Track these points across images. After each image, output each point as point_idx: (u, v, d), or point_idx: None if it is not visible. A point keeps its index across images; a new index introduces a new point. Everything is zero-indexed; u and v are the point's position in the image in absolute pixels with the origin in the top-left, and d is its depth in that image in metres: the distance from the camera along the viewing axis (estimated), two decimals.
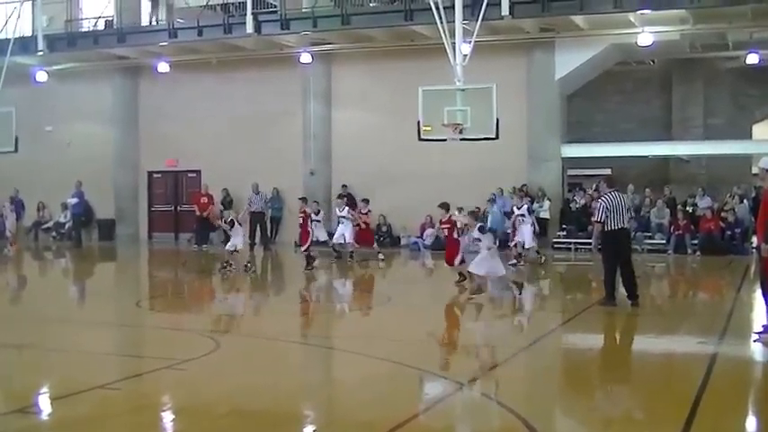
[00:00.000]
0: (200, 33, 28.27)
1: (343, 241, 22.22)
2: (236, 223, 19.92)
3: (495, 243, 15.84)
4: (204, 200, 28.79)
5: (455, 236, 16.78)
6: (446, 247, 17.52)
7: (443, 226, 17.30)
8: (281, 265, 25.07)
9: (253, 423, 7.46)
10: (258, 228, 28.26)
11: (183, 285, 20.08)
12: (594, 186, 27.57)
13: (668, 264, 23.30)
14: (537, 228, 21.82)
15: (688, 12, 24.22)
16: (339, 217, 22.66)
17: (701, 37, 27.10)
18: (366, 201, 25.32)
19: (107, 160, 31.77)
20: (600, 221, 13.71)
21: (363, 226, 23.40)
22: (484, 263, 15.09)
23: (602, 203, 13.77)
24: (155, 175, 32.43)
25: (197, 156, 30.90)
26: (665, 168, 31.01)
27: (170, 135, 31.17)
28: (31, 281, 21.12)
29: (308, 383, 9.33)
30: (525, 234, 20.76)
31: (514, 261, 20.68)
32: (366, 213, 24.27)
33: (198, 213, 28.81)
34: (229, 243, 19.75)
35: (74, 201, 29.79)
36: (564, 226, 26.53)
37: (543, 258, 21.73)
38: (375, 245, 23.77)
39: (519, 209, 21.17)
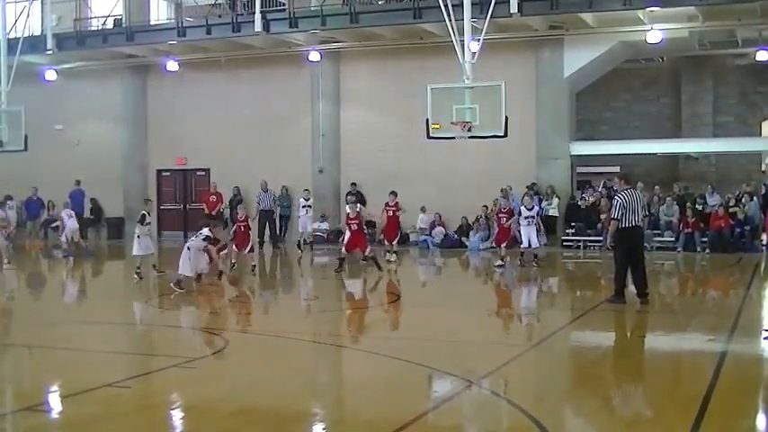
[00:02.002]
0: (208, 32, 28.27)
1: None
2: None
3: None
4: (213, 198, 28.83)
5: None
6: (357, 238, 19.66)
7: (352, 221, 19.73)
8: (289, 264, 25.08)
9: (261, 422, 7.47)
10: (267, 226, 28.28)
11: (192, 284, 20.08)
12: (602, 183, 27.63)
13: (677, 261, 23.24)
14: (542, 229, 21.79)
15: (697, 9, 24.13)
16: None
17: (710, 34, 27.04)
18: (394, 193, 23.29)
19: (116, 159, 31.86)
20: (616, 218, 13.67)
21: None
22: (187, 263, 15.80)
23: (619, 201, 13.73)
24: (164, 174, 32.49)
25: (206, 154, 30.96)
26: (674, 166, 30.95)
27: (179, 133, 31.24)
28: (40, 280, 21.16)
29: (316, 381, 9.34)
30: (531, 236, 20.51)
31: (517, 262, 20.46)
32: (394, 206, 22.71)
33: (207, 212, 28.91)
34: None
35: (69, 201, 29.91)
36: (572, 224, 26.47)
37: (537, 263, 20.81)
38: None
39: (529, 210, 20.87)
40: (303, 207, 25.64)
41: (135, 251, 18.61)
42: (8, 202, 27.96)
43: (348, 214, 20.13)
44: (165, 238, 32.04)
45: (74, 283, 20.88)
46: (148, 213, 18.98)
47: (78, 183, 30.58)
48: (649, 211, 13.76)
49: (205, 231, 16.32)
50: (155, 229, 32.18)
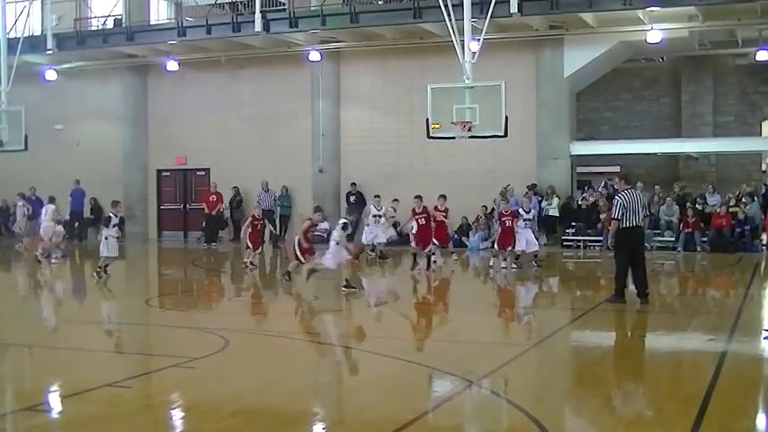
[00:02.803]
0: (208, 32, 28.27)
1: (376, 241, 22.51)
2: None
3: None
4: (213, 198, 28.86)
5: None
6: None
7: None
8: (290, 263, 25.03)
9: (261, 422, 7.47)
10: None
11: (193, 284, 20.11)
12: (603, 183, 27.63)
13: (677, 261, 23.23)
14: (536, 230, 21.77)
15: (697, 9, 24.14)
16: (375, 216, 22.58)
17: (710, 34, 27.04)
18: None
19: (116, 158, 31.87)
20: (617, 218, 13.67)
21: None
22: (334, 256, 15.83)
23: (619, 200, 13.73)
24: (164, 174, 32.50)
25: (206, 154, 30.98)
26: (674, 166, 30.97)
27: (179, 133, 31.27)
28: (40, 280, 21.14)
29: (316, 381, 9.34)
30: (529, 238, 20.25)
31: (513, 265, 20.28)
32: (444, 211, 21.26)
33: (207, 212, 28.92)
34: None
35: (68, 200, 29.93)
36: (573, 223, 26.47)
37: (538, 264, 20.61)
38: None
39: (527, 212, 20.47)
40: (374, 216, 22.82)
41: (103, 252, 18.41)
42: (19, 203, 27.87)
43: (414, 209, 19.90)
44: (166, 238, 32.10)
45: (73, 283, 20.86)
46: (115, 215, 18.86)
47: (78, 182, 30.58)
48: (650, 211, 13.70)
49: (342, 220, 16.46)
50: (155, 229, 32.37)
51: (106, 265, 18.46)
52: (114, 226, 18.69)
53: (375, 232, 22.50)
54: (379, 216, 22.60)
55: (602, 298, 15.36)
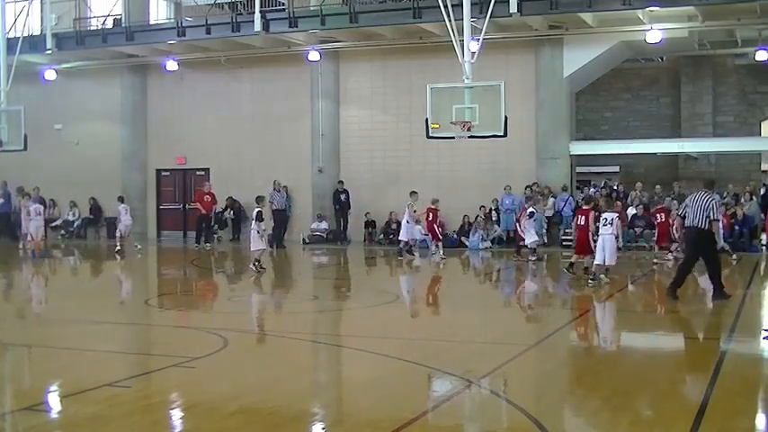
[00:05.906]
0: (208, 31, 28.25)
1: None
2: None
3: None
4: (207, 198, 28.42)
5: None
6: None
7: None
8: (290, 263, 25.07)
9: (261, 421, 7.46)
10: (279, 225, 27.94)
11: (192, 283, 20.10)
12: (603, 183, 27.62)
13: (678, 261, 23.15)
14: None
15: (697, 9, 24.14)
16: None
17: (709, 34, 27.03)
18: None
19: (116, 158, 31.87)
20: (681, 216, 14.59)
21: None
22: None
23: (686, 200, 14.62)
24: (163, 174, 32.49)
25: (205, 154, 30.97)
26: (673, 166, 30.96)
27: (179, 133, 31.25)
28: (40, 279, 21.15)
29: (316, 381, 9.34)
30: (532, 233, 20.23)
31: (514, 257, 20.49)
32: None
33: (203, 212, 28.31)
34: None
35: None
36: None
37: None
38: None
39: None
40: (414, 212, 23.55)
41: (254, 246, 19.14)
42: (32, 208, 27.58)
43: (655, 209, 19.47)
44: (165, 238, 32.07)
45: (73, 283, 20.86)
46: (262, 212, 19.55)
47: (5, 183, 30.01)
48: (715, 215, 13.81)
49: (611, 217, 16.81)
50: (154, 229, 32.36)
51: (257, 260, 19.14)
52: (262, 220, 19.32)
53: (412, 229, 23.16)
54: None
55: (601, 298, 15.38)
